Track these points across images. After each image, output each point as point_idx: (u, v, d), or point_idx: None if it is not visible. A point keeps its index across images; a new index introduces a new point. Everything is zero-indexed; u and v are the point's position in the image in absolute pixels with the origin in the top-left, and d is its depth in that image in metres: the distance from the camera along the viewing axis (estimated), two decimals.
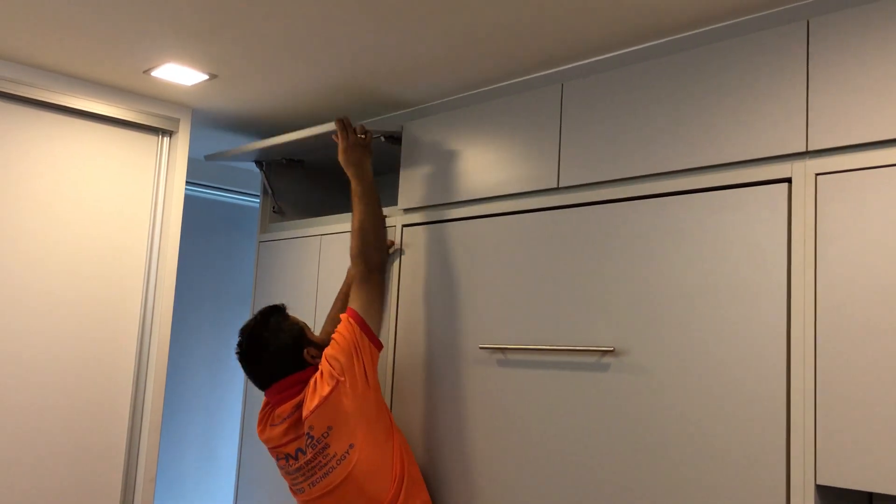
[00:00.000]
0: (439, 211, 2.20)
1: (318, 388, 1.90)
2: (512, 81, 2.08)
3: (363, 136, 2.16)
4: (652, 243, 1.70)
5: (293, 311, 2.63)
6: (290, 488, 2.03)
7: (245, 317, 3.37)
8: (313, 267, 2.59)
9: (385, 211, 2.36)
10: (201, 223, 3.34)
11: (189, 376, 3.24)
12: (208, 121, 2.66)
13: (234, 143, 2.95)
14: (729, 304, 1.56)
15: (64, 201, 2.27)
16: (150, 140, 2.45)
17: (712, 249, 1.60)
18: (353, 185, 2.12)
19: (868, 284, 1.40)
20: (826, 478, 1.40)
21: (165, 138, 2.48)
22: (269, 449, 2.04)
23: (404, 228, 2.29)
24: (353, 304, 2.03)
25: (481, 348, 1.99)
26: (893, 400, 1.35)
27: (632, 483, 1.66)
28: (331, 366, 1.92)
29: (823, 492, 1.43)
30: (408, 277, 2.25)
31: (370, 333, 1.99)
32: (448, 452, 2.05)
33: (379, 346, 2.02)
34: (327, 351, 1.96)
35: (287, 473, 2.01)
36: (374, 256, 2.09)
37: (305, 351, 2.00)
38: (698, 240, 1.63)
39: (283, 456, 1.99)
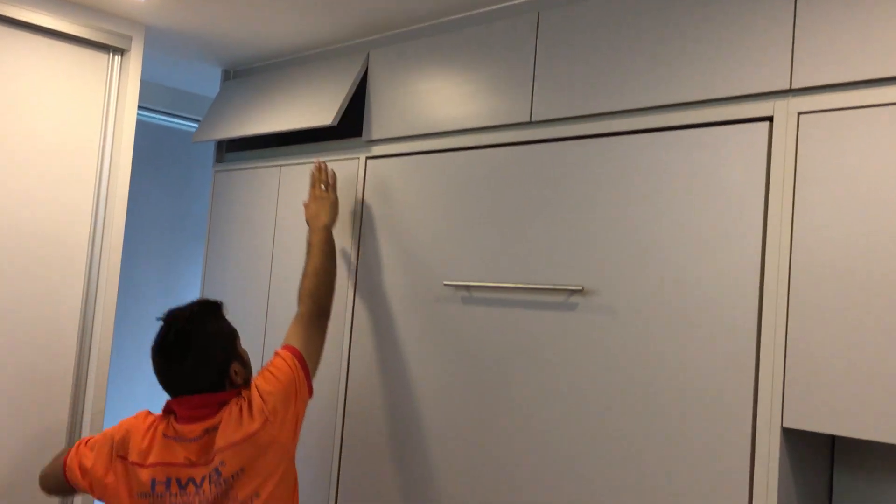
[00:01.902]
0: (405, 144, 2.13)
1: (244, 422, 1.63)
2: (486, 9, 2.00)
3: (324, 188, 2.13)
4: (625, 181, 1.66)
5: (250, 245, 2.56)
6: None
7: (199, 250, 3.28)
8: (272, 199, 2.50)
9: (348, 143, 2.28)
10: (154, 151, 3.21)
11: (139, 310, 3.14)
12: (164, 43, 2.53)
13: (190, 69, 2.81)
14: (702, 244, 1.53)
15: (6, 121, 2.14)
16: (100, 58, 2.31)
17: (687, 189, 1.56)
18: (310, 235, 2.05)
19: (846, 229, 1.37)
20: (792, 421, 1.39)
21: (117, 57, 2.34)
22: (140, 467, 1.64)
23: (368, 161, 2.21)
24: (295, 342, 1.82)
25: (445, 285, 1.94)
26: (862, 346, 1.33)
27: (598, 422, 1.64)
28: (263, 401, 1.66)
29: (788, 434, 1.42)
30: (371, 212, 2.18)
31: (310, 381, 1.79)
32: (408, 391, 2.01)
33: (311, 395, 1.80)
34: (260, 384, 1.70)
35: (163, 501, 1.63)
36: (325, 301, 1.96)
37: (232, 368, 1.71)
38: (673, 179, 1.59)
39: (168, 481, 1.62)
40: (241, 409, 1.65)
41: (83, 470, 1.71)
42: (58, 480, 1.76)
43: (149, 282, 3.19)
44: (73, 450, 1.75)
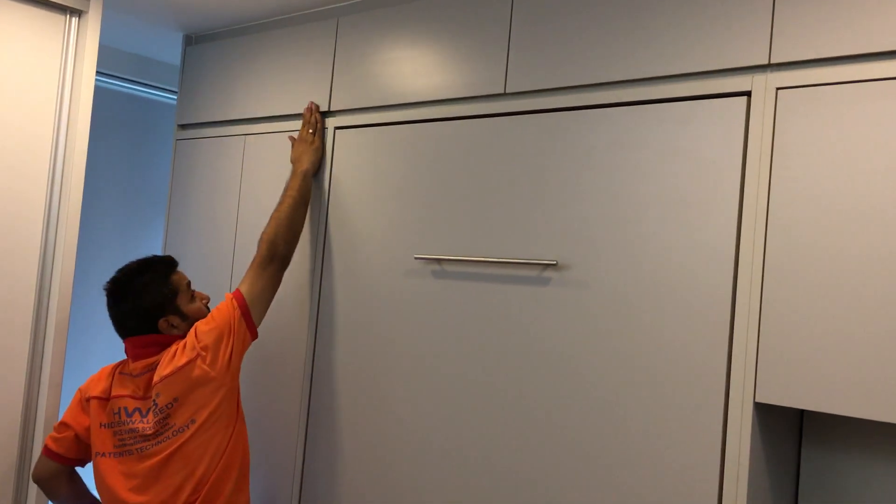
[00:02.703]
0: (375, 114, 2.08)
1: (176, 357, 1.85)
2: None
3: (312, 133, 2.17)
4: (601, 155, 1.64)
5: (214, 216, 2.50)
6: (107, 451, 1.88)
7: (159, 219, 3.21)
8: (236, 169, 2.45)
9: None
10: (112, 118, 3.11)
11: (97, 282, 3.06)
12: (124, 5, 2.44)
13: (151, 34, 2.73)
14: (678, 219, 1.52)
15: None
16: (56, 20, 2.22)
17: (663, 163, 1.55)
18: (290, 177, 2.12)
19: (822, 206, 1.37)
20: (765, 395, 1.40)
21: (74, 18, 2.25)
22: (104, 400, 1.91)
23: (336, 131, 2.17)
24: (243, 286, 1.96)
25: (416, 258, 1.92)
26: (835, 321, 1.34)
27: (572, 396, 1.64)
28: (197, 339, 1.86)
29: (760, 408, 1.43)
30: (339, 183, 2.14)
31: (250, 322, 1.93)
32: (377, 367, 1.99)
33: (254, 336, 1.95)
34: (199, 325, 1.89)
35: (115, 433, 1.88)
36: (283, 248, 2.02)
37: (164, 320, 1.92)
38: (649, 153, 1.57)
39: (122, 410, 1.88)
40: (177, 348, 1.87)
41: (64, 426, 1.96)
42: (47, 465, 1.97)
43: (107, 250, 3.11)
44: (47, 437, 2.01)
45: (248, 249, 2.37)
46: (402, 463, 1.90)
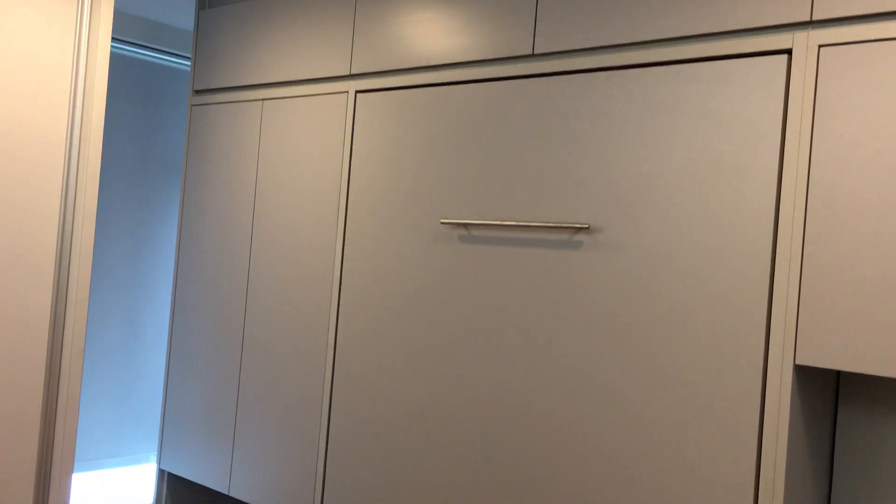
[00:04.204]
0: (398, 77, 2.05)
1: None
2: None
3: None
4: (634, 117, 1.61)
5: (231, 184, 2.47)
6: None
7: (175, 185, 3.18)
8: (254, 135, 2.42)
9: (337, 76, 2.20)
10: (124, 85, 3.07)
11: (114, 247, 3.05)
12: None
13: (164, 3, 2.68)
14: (714, 181, 1.50)
15: None
16: None
17: (699, 125, 1.53)
18: None
19: (865, 166, 1.35)
20: (805, 358, 1.39)
21: None
22: None
23: (358, 95, 2.14)
24: None
25: (443, 223, 1.90)
26: (877, 281, 1.33)
27: (605, 363, 1.63)
28: None
29: (799, 371, 1.42)
30: (361, 148, 2.11)
31: None
32: (403, 333, 1.98)
33: None
34: None
35: None
36: None
37: None
38: (686, 113, 1.55)
39: None
40: None
41: None
42: None
43: (121, 217, 3.09)
44: None
45: (266, 217, 2.35)
46: (428, 430, 1.90)
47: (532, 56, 1.79)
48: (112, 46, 2.94)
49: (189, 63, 3.21)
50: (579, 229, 1.67)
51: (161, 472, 2.69)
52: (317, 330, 2.19)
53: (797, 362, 1.40)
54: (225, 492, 2.41)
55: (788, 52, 1.44)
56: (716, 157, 1.50)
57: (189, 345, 2.58)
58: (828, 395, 1.57)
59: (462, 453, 1.83)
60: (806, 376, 1.45)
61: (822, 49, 1.40)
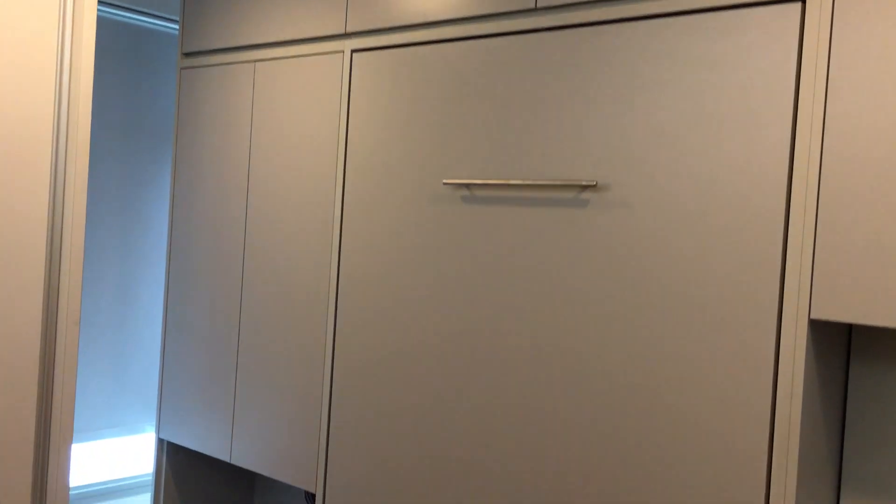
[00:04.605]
0: (396, 34, 2.00)
1: None
2: None
3: None
4: (644, 69, 1.58)
5: (224, 150, 2.42)
6: None
7: (167, 157, 3.12)
8: (246, 98, 2.36)
9: (332, 35, 2.14)
10: (110, 49, 3.00)
11: (105, 217, 2.99)
12: None
13: None
14: (727, 134, 1.47)
15: None
16: None
17: (709, 77, 1.49)
18: None
19: (882, 117, 1.32)
20: (820, 312, 1.37)
21: None
22: None
23: (354, 54, 2.08)
24: None
25: (445, 184, 1.86)
26: (893, 233, 1.31)
27: (614, 324, 1.61)
28: None
29: (813, 326, 1.41)
30: (359, 109, 2.06)
31: None
32: (404, 298, 1.95)
33: None
34: None
35: None
36: None
37: None
38: (696, 65, 1.51)
39: None
40: None
41: None
42: None
43: (112, 185, 3.03)
44: None
45: (262, 182, 2.30)
46: (432, 398, 1.88)
47: (535, 10, 1.75)
48: (97, 10, 2.86)
49: (177, 26, 3.13)
50: (586, 187, 1.64)
51: (160, 442, 2.67)
52: (316, 295, 2.15)
53: (812, 317, 1.38)
54: (226, 460, 2.39)
55: (802, 0, 1.40)
56: (728, 110, 1.47)
57: (185, 312, 2.54)
58: (840, 349, 1.56)
59: (468, 414, 1.82)
60: (820, 331, 1.44)
61: None
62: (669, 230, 1.54)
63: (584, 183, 1.63)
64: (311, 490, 2.15)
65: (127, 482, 3.11)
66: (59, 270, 2.18)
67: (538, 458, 1.70)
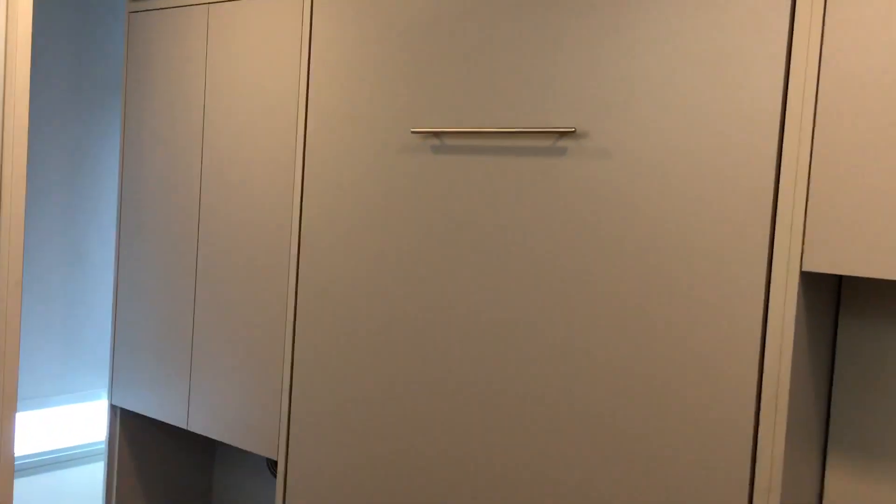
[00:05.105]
0: None
1: None
2: None
3: None
4: (625, 8, 1.47)
5: (179, 98, 2.27)
6: None
7: (115, 106, 2.94)
8: (200, 45, 2.21)
9: None
10: None
11: (50, 168, 2.83)
12: None
13: None
14: (714, 76, 1.38)
15: None
16: None
17: (696, 14, 1.40)
18: None
19: (880, 58, 1.24)
20: (813, 263, 1.30)
21: None
22: None
23: None
24: None
25: (413, 133, 1.75)
26: (890, 181, 1.23)
27: (593, 279, 1.52)
28: None
29: (804, 278, 1.33)
30: (320, 53, 1.94)
31: None
32: (372, 254, 1.84)
33: None
34: None
35: None
36: None
37: None
38: (682, 4, 1.41)
39: None
40: None
41: None
42: None
43: (57, 134, 2.86)
44: None
45: (217, 133, 2.17)
46: (400, 359, 1.79)
47: None
48: None
49: None
50: (564, 134, 1.55)
51: (113, 408, 2.55)
52: (277, 252, 2.04)
53: (804, 269, 1.31)
54: (183, 426, 2.28)
55: None
56: (716, 51, 1.38)
57: (137, 272, 2.41)
58: (830, 303, 1.49)
59: (436, 375, 1.73)
60: (810, 284, 1.37)
61: None
62: (652, 179, 1.45)
63: (561, 129, 1.53)
64: (273, 457, 2.06)
65: (79, 450, 2.98)
66: None
67: (508, 416, 1.62)
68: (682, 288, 1.42)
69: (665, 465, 1.44)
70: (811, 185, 1.30)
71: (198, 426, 2.24)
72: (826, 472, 1.55)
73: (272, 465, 2.56)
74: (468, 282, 1.68)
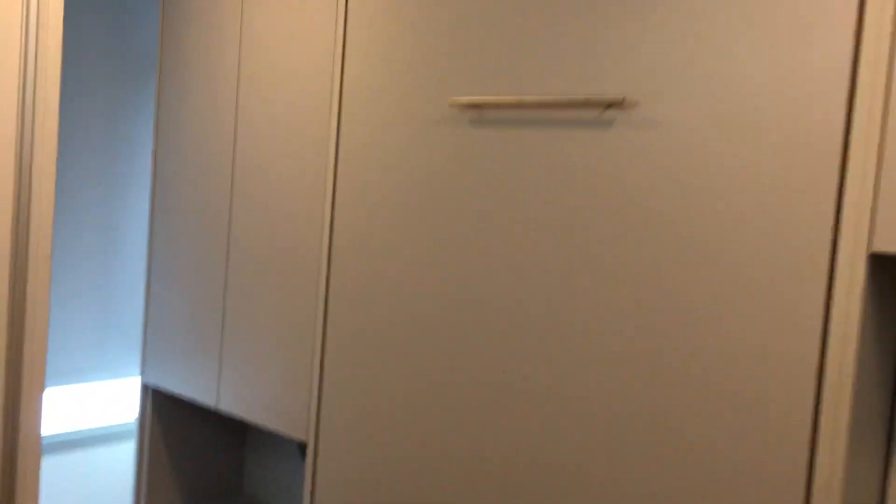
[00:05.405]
0: None
1: None
2: None
3: None
4: None
5: (212, 76, 2.22)
6: None
7: (151, 78, 2.91)
8: (234, 17, 2.15)
9: None
10: None
11: (83, 150, 2.80)
12: None
13: None
14: (777, 41, 1.27)
15: None
16: None
17: None
18: None
19: None
20: (882, 244, 1.19)
21: None
22: None
23: None
24: None
25: (451, 105, 1.67)
26: None
27: (641, 259, 1.43)
28: None
29: (873, 260, 1.22)
30: (354, 19, 1.86)
31: None
32: (408, 233, 1.77)
33: None
34: None
35: None
36: None
37: None
38: None
39: None
40: None
41: None
42: None
43: (91, 111, 2.83)
44: None
45: (252, 105, 2.11)
46: (435, 345, 1.71)
47: None
48: None
49: None
50: (612, 104, 1.45)
51: (145, 387, 2.52)
52: (310, 233, 1.97)
53: (872, 249, 1.20)
54: (213, 406, 2.24)
55: None
56: (776, 9, 1.27)
57: (170, 251, 2.37)
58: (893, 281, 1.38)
59: (473, 362, 1.65)
60: (878, 265, 1.25)
61: None
62: (706, 152, 1.35)
63: (609, 99, 1.43)
64: (303, 440, 2.00)
65: (112, 430, 2.96)
66: (30, 199, 2.00)
67: (547, 402, 1.53)
68: (737, 270, 1.32)
69: (716, 461, 1.34)
70: (883, 157, 1.19)
71: (228, 406, 2.19)
72: (889, 472, 1.44)
73: (303, 449, 2.51)
74: (508, 264, 1.60)
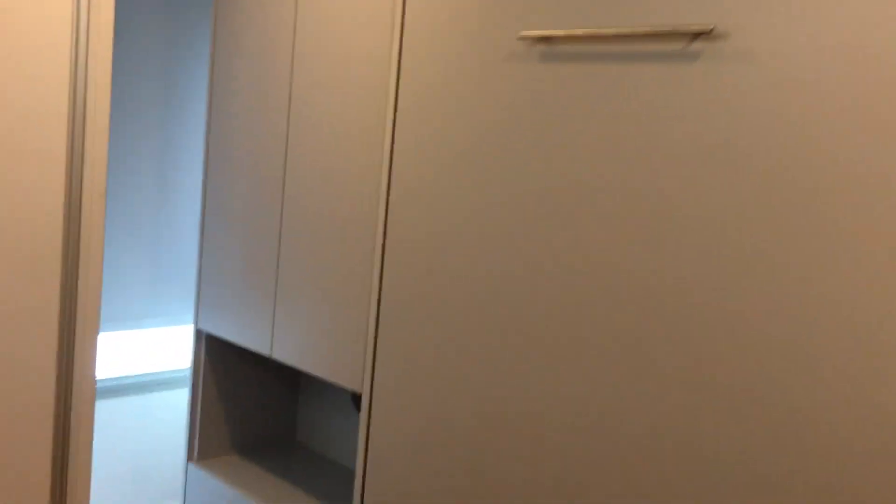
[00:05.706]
0: None
1: None
2: None
3: None
4: None
5: (267, 25, 2.13)
6: None
7: (205, 21, 2.84)
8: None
9: None
10: None
11: (141, 96, 2.76)
12: None
13: None
14: None
15: None
16: None
17: None
18: None
19: None
20: None
21: None
22: None
23: None
24: None
25: (520, 38, 1.56)
26: None
27: (734, 212, 1.31)
28: None
29: None
30: None
31: None
32: (472, 182, 1.67)
33: None
34: None
35: None
36: None
37: None
38: None
39: None
40: None
41: None
42: None
43: (149, 58, 2.78)
44: None
45: (308, 52, 2.02)
46: (496, 302, 1.62)
47: None
48: None
49: None
50: (698, 34, 1.32)
51: (198, 333, 2.49)
52: (366, 179, 1.89)
53: None
54: (266, 354, 2.20)
55: None
56: None
57: (225, 198, 2.32)
58: None
59: (536, 307, 1.56)
60: None
61: None
62: (806, 88, 1.21)
63: (695, 29, 1.31)
64: (357, 390, 1.94)
65: (166, 375, 2.96)
66: (84, 135, 1.96)
67: (614, 364, 1.44)
68: (845, 224, 1.19)
69: (844, 453, 1.23)
70: None
71: (281, 354, 2.15)
72: None
73: (356, 400, 2.47)
74: (580, 211, 1.49)
